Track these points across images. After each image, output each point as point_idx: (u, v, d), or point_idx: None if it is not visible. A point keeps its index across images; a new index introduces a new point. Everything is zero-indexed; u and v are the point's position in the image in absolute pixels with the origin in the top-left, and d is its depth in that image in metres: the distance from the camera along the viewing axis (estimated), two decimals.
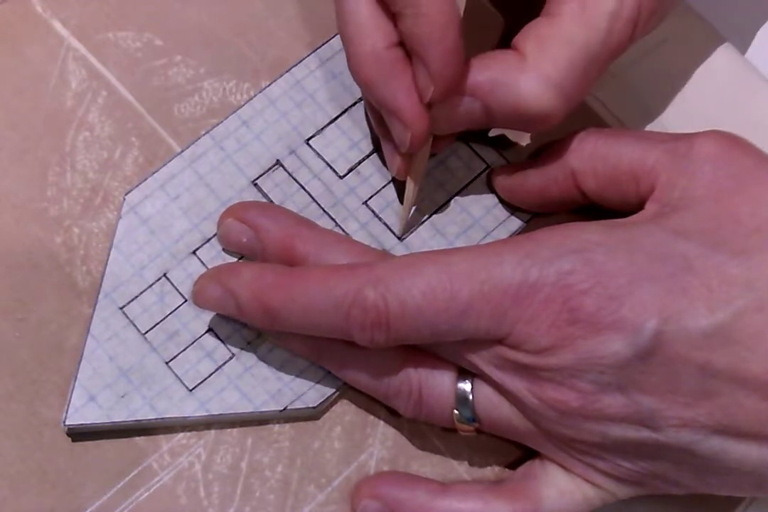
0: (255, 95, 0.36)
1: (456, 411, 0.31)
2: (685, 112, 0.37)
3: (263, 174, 0.35)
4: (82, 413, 0.32)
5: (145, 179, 0.35)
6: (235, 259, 0.34)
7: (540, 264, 0.28)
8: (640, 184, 0.31)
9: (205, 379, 0.33)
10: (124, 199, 0.35)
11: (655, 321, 0.27)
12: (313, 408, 0.33)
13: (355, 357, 0.32)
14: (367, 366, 0.32)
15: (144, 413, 0.33)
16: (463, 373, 0.32)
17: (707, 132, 0.31)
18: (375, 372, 0.32)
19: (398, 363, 0.32)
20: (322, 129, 0.36)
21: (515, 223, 0.35)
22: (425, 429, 0.34)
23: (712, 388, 0.27)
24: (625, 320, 0.27)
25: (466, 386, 0.31)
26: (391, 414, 0.34)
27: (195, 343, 0.34)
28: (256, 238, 0.33)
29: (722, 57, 0.38)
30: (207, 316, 0.34)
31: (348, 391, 0.34)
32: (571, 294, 0.28)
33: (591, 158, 0.32)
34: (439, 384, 0.32)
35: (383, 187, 0.35)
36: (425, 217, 0.35)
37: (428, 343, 0.31)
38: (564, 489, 0.31)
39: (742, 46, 0.38)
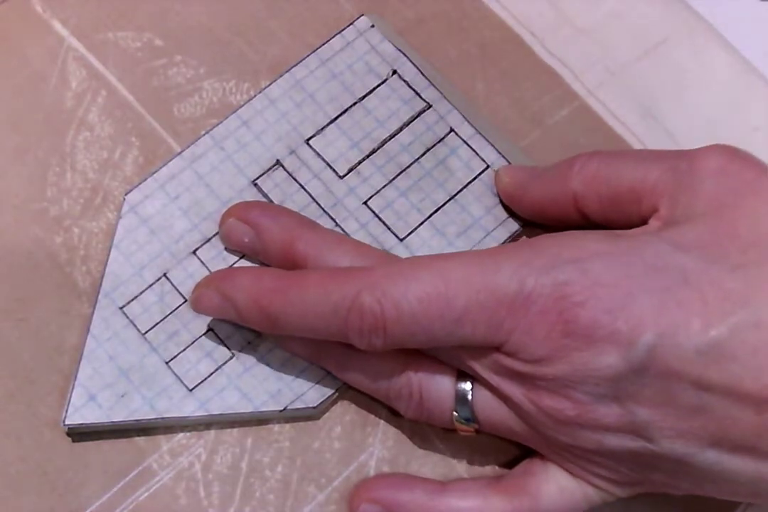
0: (255, 95, 0.36)
1: (455, 412, 0.31)
2: (686, 112, 0.37)
3: (263, 174, 0.35)
4: (82, 413, 0.33)
5: (145, 179, 0.35)
6: (236, 258, 0.34)
7: (536, 273, 0.28)
8: (642, 204, 0.31)
9: (205, 379, 0.33)
10: (124, 199, 0.35)
11: (650, 335, 0.27)
12: (313, 408, 0.33)
13: (355, 359, 0.32)
14: (367, 368, 0.32)
15: (144, 413, 0.33)
16: (463, 374, 0.32)
17: (708, 147, 0.30)
18: (375, 375, 0.32)
19: (398, 366, 0.32)
20: (322, 129, 0.36)
21: (515, 224, 0.35)
22: (426, 429, 0.34)
23: (706, 402, 0.27)
24: (620, 333, 0.27)
25: (465, 386, 0.31)
26: (392, 414, 0.34)
27: (195, 343, 0.34)
28: (258, 238, 0.33)
29: (722, 57, 0.37)
30: (207, 316, 0.34)
31: (348, 391, 0.34)
32: (566, 305, 0.28)
33: (594, 182, 0.32)
34: (439, 387, 0.31)
35: (383, 187, 0.35)
36: (425, 217, 0.35)
37: (426, 348, 0.31)
38: (564, 486, 0.31)
39: (743, 46, 0.38)
